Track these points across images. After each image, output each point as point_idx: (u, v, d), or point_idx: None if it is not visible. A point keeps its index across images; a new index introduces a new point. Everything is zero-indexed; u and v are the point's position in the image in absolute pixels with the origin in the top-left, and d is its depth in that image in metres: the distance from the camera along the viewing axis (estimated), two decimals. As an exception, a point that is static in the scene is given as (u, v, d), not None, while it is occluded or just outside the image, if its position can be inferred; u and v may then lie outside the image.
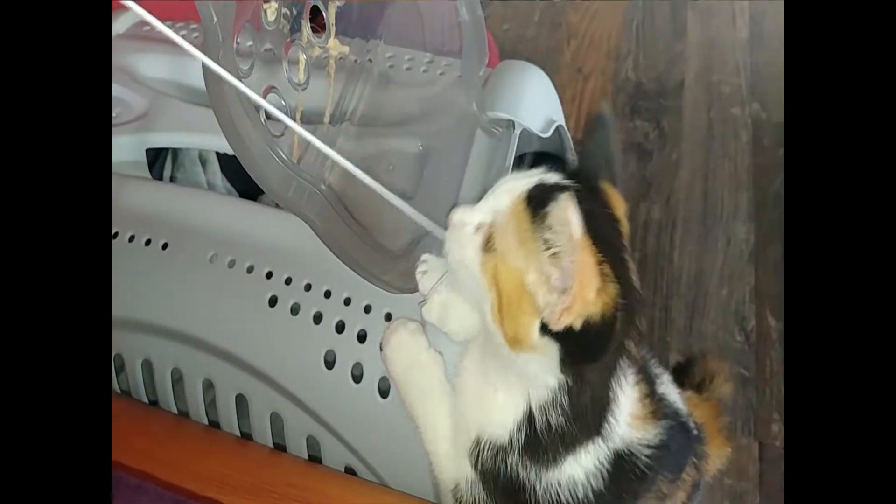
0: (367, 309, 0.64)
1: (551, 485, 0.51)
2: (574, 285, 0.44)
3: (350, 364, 0.63)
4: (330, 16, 0.59)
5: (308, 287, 0.66)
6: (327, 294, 0.65)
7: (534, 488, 0.52)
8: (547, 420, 0.49)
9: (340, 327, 0.64)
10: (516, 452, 0.51)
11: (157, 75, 0.85)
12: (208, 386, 0.72)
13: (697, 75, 1.45)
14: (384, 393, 0.62)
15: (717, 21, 1.55)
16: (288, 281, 0.67)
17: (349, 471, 0.68)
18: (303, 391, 0.66)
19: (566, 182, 0.48)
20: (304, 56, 0.57)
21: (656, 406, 0.57)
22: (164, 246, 0.72)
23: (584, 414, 0.50)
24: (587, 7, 1.59)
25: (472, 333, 0.56)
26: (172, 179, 0.91)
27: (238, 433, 0.73)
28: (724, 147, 1.34)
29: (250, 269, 0.68)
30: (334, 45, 0.62)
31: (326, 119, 0.66)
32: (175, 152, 0.90)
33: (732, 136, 1.35)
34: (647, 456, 0.54)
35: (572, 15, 1.58)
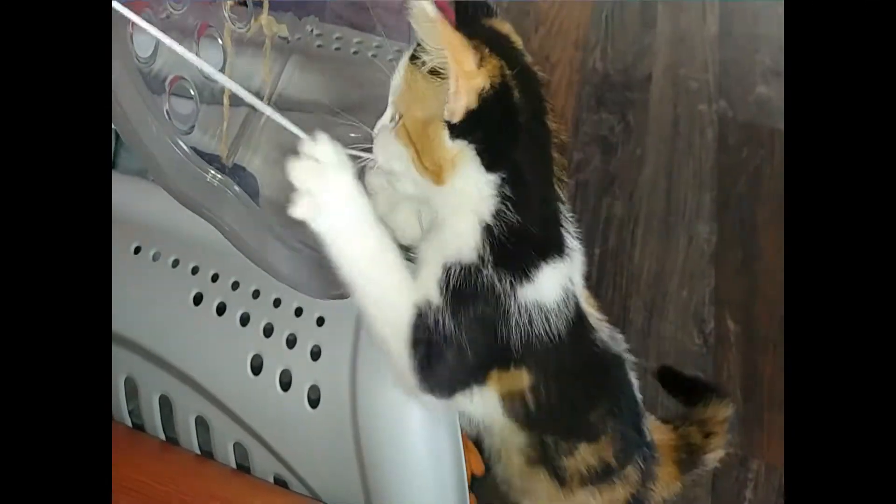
0: (298, 312, 0.60)
1: (525, 306, 0.50)
2: (452, 63, 0.45)
3: (278, 370, 0.59)
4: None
5: (235, 285, 0.61)
6: (255, 294, 0.61)
7: (508, 310, 0.50)
8: (505, 225, 0.49)
9: (268, 330, 0.60)
10: (489, 266, 0.50)
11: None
12: (131, 386, 0.67)
13: (665, 69, 1.42)
14: (314, 403, 0.58)
15: (686, 16, 1.52)
16: (214, 278, 0.62)
17: (279, 481, 0.64)
18: (228, 396, 0.62)
19: None
20: (221, 41, 0.52)
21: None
22: (83, 235, 0.66)
23: (535, 213, 0.50)
24: (557, -6, 1.55)
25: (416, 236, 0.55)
26: (113, 162, 0.84)
27: (163, 437, 0.68)
28: (689, 144, 1.31)
29: (175, 264, 0.64)
30: (269, 23, 0.56)
31: (267, 100, 0.61)
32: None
33: (698, 133, 1.33)
34: (601, 341, 0.55)
35: (541, 2, 1.53)
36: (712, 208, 1.22)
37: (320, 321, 0.59)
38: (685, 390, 0.75)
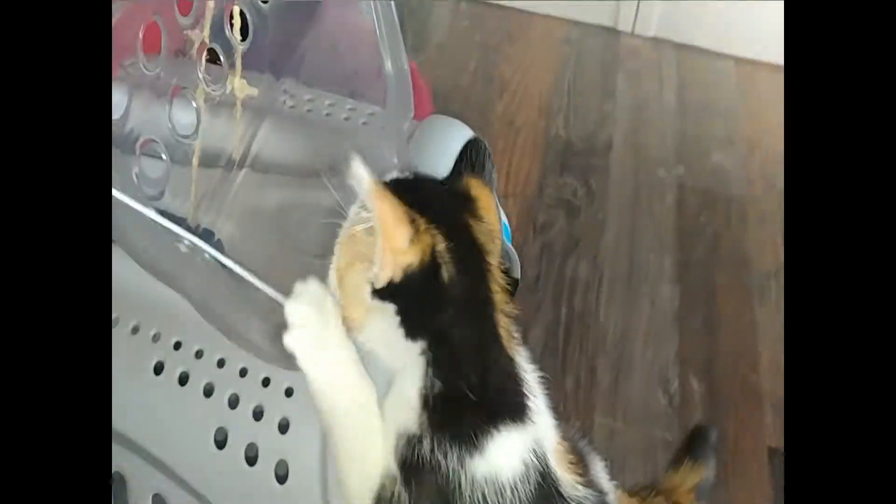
0: (266, 382, 0.57)
1: (476, 481, 0.47)
2: (381, 238, 0.45)
3: (244, 444, 0.57)
4: (237, 54, 0.53)
5: (199, 354, 0.59)
6: (220, 363, 0.58)
7: (458, 485, 0.47)
8: (439, 392, 0.47)
9: (234, 402, 0.57)
10: (430, 437, 0.47)
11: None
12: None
13: (626, 136, 1.47)
14: (281, 479, 0.56)
15: (645, 86, 1.59)
16: (177, 346, 0.60)
17: (240, 563, 0.60)
18: (189, 472, 0.59)
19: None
20: (195, 103, 0.51)
21: (584, 471, 0.53)
22: (37, 299, 0.63)
23: (473, 380, 0.47)
24: (520, 61, 1.61)
25: None
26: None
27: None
28: (649, 208, 1.35)
29: (135, 330, 0.61)
30: (241, 87, 0.56)
31: (238, 164, 0.60)
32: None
33: (658, 197, 1.37)
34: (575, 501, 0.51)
35: (505, 68, 1.58)
36: (674, 271, 1.25)
37: (289, 392, 0.57)
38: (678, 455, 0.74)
